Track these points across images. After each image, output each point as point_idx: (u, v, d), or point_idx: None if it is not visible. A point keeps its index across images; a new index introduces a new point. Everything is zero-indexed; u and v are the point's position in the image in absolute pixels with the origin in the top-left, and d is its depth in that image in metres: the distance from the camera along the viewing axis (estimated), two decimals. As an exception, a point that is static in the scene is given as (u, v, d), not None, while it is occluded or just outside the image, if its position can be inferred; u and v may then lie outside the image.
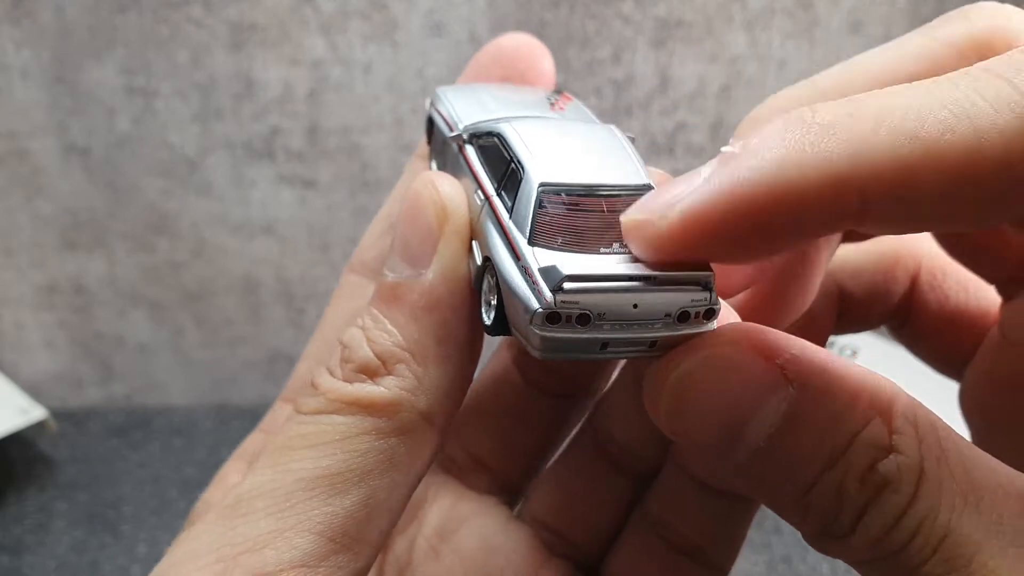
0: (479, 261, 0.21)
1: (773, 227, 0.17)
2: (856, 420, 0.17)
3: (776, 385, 0.18)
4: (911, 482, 0.17)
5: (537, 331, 0.18)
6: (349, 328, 0.21)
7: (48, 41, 0.64)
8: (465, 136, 0.23)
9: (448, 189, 0.21)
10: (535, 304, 0.18)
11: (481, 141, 0.22)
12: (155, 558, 0.72)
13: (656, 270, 0.18)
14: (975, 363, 0.27)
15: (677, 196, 0.18)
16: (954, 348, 0.29)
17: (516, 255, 0.19)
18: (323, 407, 0.21)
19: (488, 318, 0.20)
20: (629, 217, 0.19)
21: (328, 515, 0.19)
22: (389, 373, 0.20)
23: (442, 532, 0.27)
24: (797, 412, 0.18)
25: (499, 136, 0.21)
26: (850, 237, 0.26)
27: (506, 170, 0.20)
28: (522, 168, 0.20)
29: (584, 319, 0.18)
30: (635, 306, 0.18)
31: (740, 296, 0.23)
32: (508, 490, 0.29)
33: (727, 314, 0.20)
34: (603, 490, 0.28)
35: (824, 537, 0.18)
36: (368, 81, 0.67)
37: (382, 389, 0.20)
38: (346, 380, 0.21)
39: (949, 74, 0.16)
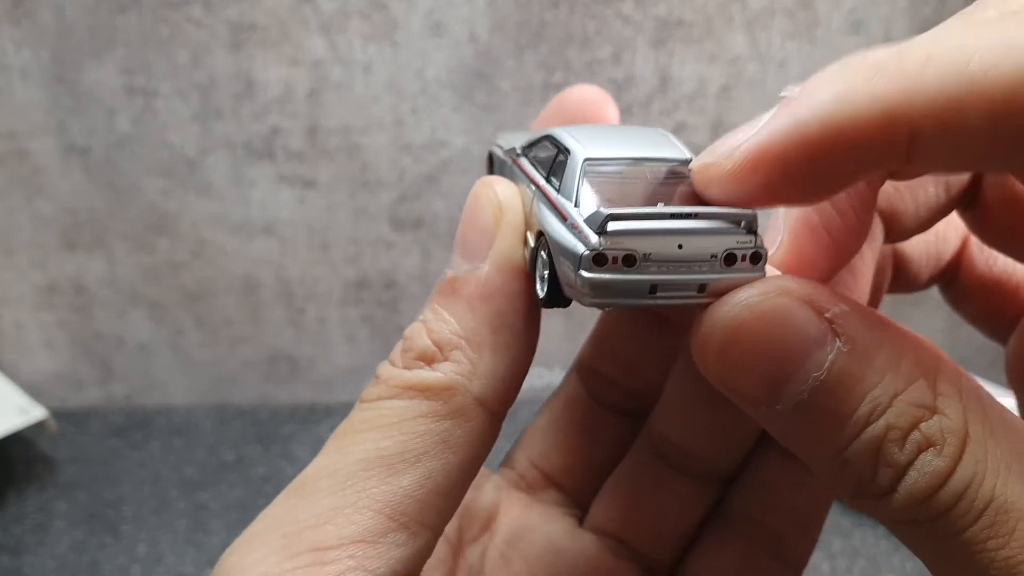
0: (532, 243, 0.21)
1: (829, 163, 0.17)
2: (900, 379, 0.17)
3: (824, 338, 0.18)
4: (955, 444, 0.17)
5: (586, 274, 0.18)
6: (412, 324, 0.23)
7: (48, 41, 0.64)
8: (519, 150, 0.24)
9: (503, 188, 0.23)
10: (581, 248, 0.18)
11: (534, 151, 0.24)
12: (155, 558, 0.72)
13: (698, 208, 0.19)
14: (1019, 330, 0.28)
15: (741, 139, 0.18)
16: (1000, 311, 0.29)
17: (564, 218, 0.20)
18: (383, 393, 0.22)
19: (542, 291, 0.21)
20: (698, 162, 0.19)
21: (386, 493, 0.20)
22: (445, 359, 0.21)
23: (511, 540, 0.28)
24: (842, 367, 0.18)
25: (550, 136, 0.22)
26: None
27: (555, 159, 0.22)
28: (568, 152, 0.21)
29: (630, 260, 0.18)
30: (680, 247, 0.18)
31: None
32: (577, 505, 0.29)
33: (772, 272, 0.20)
34: (665, 496, 0.28)
35: (861, 495, 0.18)
36: (368, 81, 0.67)
37: (438, 374, 0.21)
38: (405, 367, 0.22)
39: (999, 16, 0.17)
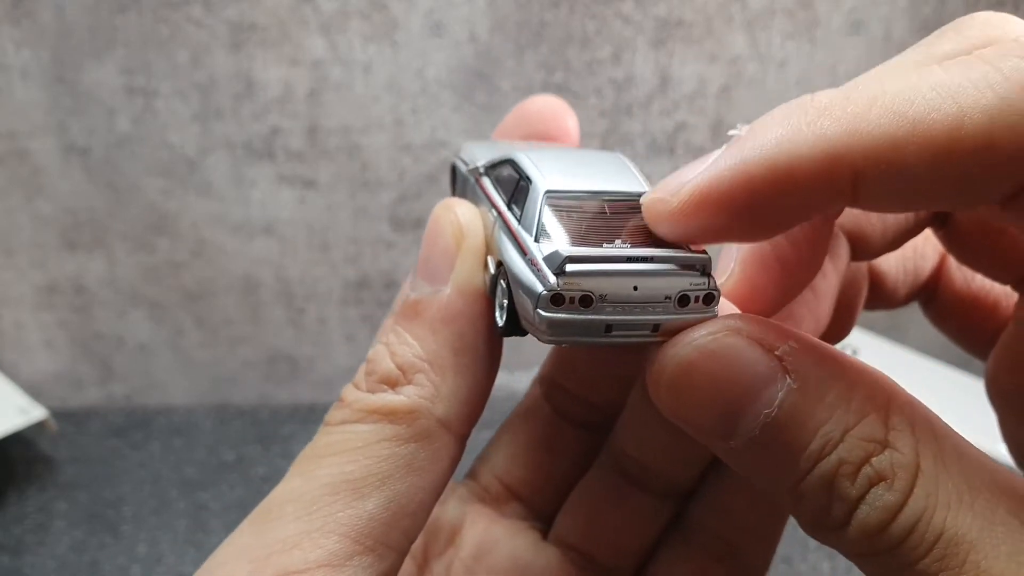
0: (492, 270, 0.22)
1: (773, 203, 0.18)
2: (851, 415, 0.18)
3: (773, 376, 0.18)
4: (906, 478, 0.17)
5: (543, 314, 0.19)
6: (375, 345, 0.23)
7: (48, 41, 0.64)
8: (482, 169, 0.25)
9: (464, 211, 0.23)
10: (540, 287, 0.19)
11: (496, 172, 0.24)
12: (155, 558, 0.72)
13: (654, 252, 0.19)
14: (997, 348, 0.28)
15: (688, 176, 0.19)
16: (979, 327, 0.29)
17: (524, 251, 0.20)
18: (348, 417, 0.22)
19: (500, 319, 0.21)
20: (646, 198, 0.20)
21: (352, 517, 0.20)
22: (409, 383, 0.22)
23: (476, 555, 0.29)
24: (793, 403, 0.18)
25: (512, 161, 0.23)
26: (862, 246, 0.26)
27: (516, 186, 0.22)
28: (530, 181, 0.21)
29: (587, 300, 0.19)
30: (635, 288, 0.19)
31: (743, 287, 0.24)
32: (540, 518, 0.30)
33: (727, 307, 0.21)
34: (626, 510, 0.28)
35: (817, 527, 0.19)
36: (368, 81, 0.67)
37: (402, 397, 0.21)
38: (369, 391, 0.22)
39: (944, 62, 0.17)
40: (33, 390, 0.73)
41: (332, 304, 0.76)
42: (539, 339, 0.20)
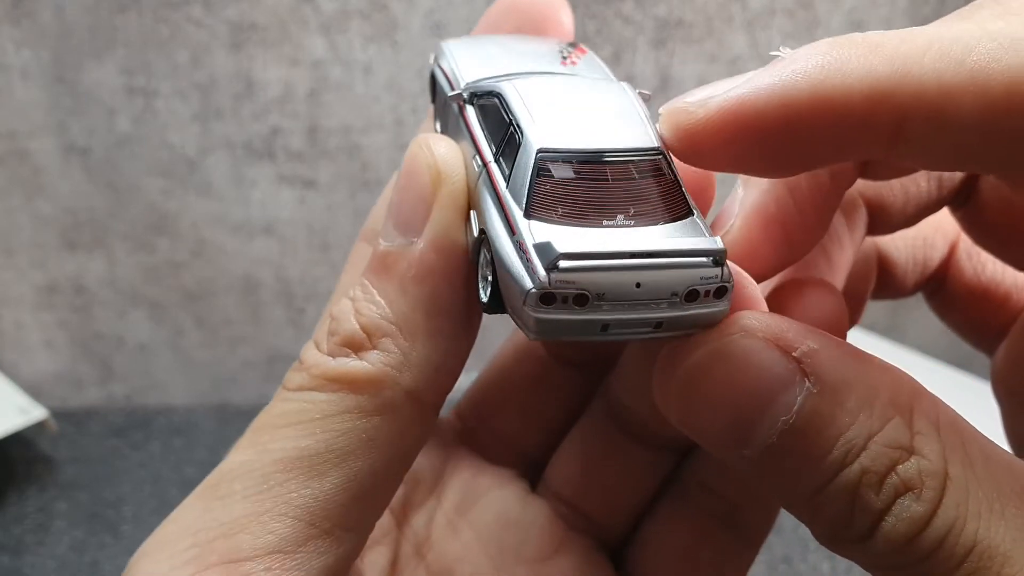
0: (476, 231, 0.19)
1: (808, 133, 0.16)
2: (875, 419, 0.16)
3: (791, 380, 0.17)
4: (934, 488, 0.16)
5: (531, 312, 0.17)
6: (341, 299, 0.20)
7: (48, 41, 0.64)
8: (465, 95, 0.21)
9: (444, 151, 0.20)
10: (528, 284, 0.16)
11: (482, 101, 0.21)
12: (155, 558, 0.70)
13: (661, 245, 0.17)
14: (1008, 341, 0.27)
15: (719, 89, 0.17)
16: (987, 320, 0.28)
17: (512, 229, 0.18)
18: (305, 383, 0.19)
19: (485, 294, 0.19)
20: (667, 106, 0.18)
21: (306, 498, 0.18)
22: (374, 348, 0.19)
23: (460, 507, 0.27)
24: (812, 408, 0.17)
25: (499, 96, 0.20)
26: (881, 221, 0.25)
27: (505, 134, 0.19)
28: (521, 133, 0.18)
29: (582, 300, 0.16)
30: (638, 285, 0.17)
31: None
32: (529, 464, 0.28)
33: (748, 293, 0.19)
34: (621, 463, 0.26)
35: (837, 540, 0.17)
36: (368, 81, 0.67)
37: (365, 364, 0.19)
38: (330, 354, 0.19)
39: (1006, 15, 0.16)
40: (33, 390, 0.73)
41: (332, 304, 0.76)
42: (525, 335, 0.17)
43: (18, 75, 0.65)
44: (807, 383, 0.17)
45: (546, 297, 0.16)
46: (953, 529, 0.16)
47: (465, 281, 0.20)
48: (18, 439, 0.70)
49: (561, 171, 0.18)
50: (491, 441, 0.28)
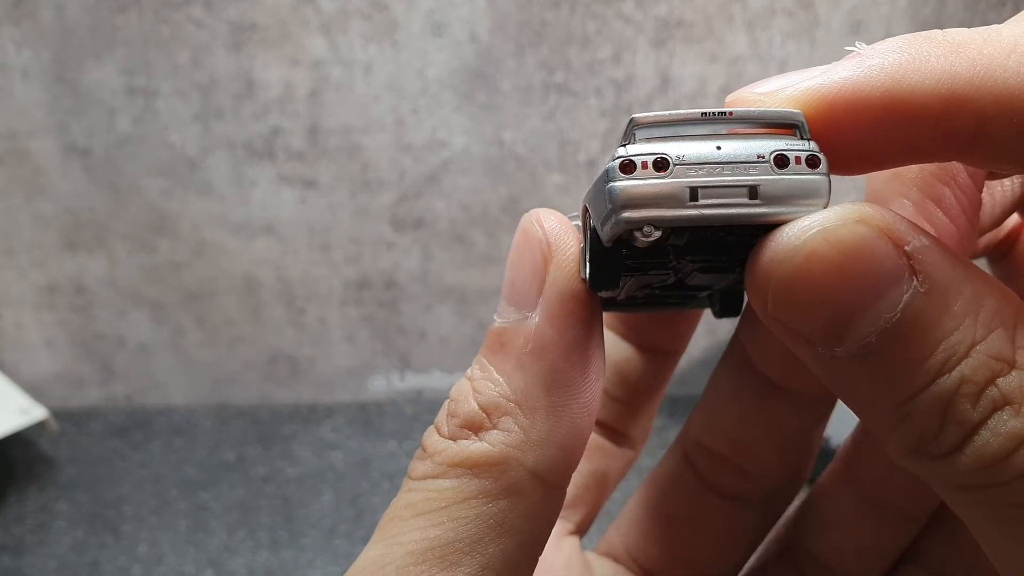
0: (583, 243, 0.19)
1: (879, 131, 0.16)
2: (980, 327, 0.16)
3: (900, 276, 0.16)
4: None
5: (615, 185, 0.16)
6: (460, 380, 0.20)
7: (48, 41, 0.64)
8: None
9: (553, 223, 0.20)
10: (608, 162, 0.16)
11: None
12: (155, 558, 0.72)
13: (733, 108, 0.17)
14: None
15: (791, 80, 0.17)
16: None
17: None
18: (429, 471, 0.19)
19: (585, 272, 0.19)
20: (733, 95, 0.17)
21: None
22: (494, 427, 0.19)
23: None
24: (918, 309, 0.16)
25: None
26: None
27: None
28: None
29: (662, 164, 0.16)
30: (719, 148, 0.16)
31: None
32: None
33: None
34: None
35: (919, 454, 0.16)
36: (368, 81, 0.67)
37: (486, 445, 0.19)
38: (451, 437, 0.19)
39: None
40: (33, 390, 0.73)
41: (332, 304, 0.76)
42: (617, 231, 0.17)
43: (18, 75, 0.65)
44: (916, 281, 0.16)
45: (625, 166, 0.16)
46: None
47: (582, 352, 0.20)
48: (18, 439, 0.71)
49: (653, 129, 0.18)
50: None
